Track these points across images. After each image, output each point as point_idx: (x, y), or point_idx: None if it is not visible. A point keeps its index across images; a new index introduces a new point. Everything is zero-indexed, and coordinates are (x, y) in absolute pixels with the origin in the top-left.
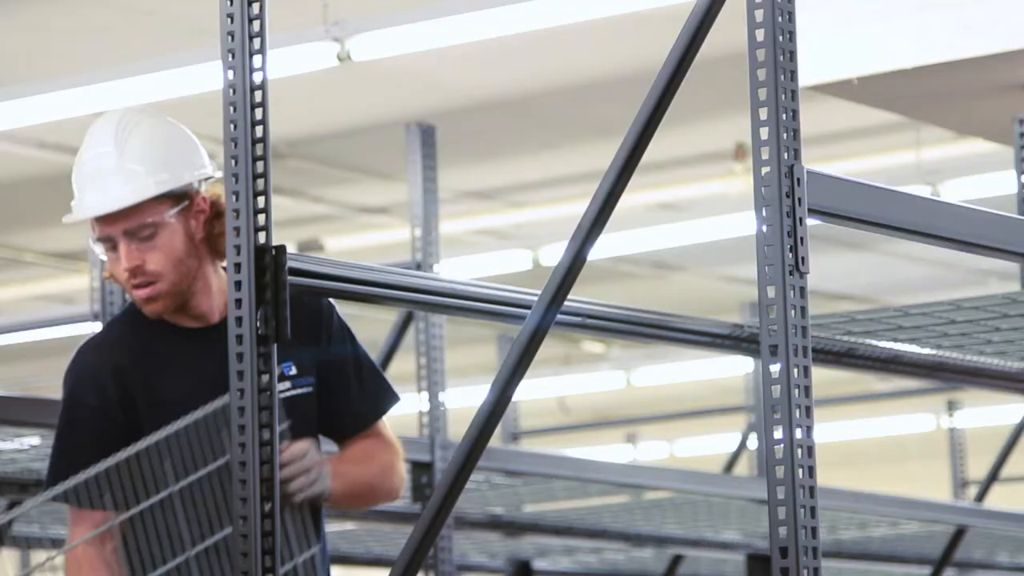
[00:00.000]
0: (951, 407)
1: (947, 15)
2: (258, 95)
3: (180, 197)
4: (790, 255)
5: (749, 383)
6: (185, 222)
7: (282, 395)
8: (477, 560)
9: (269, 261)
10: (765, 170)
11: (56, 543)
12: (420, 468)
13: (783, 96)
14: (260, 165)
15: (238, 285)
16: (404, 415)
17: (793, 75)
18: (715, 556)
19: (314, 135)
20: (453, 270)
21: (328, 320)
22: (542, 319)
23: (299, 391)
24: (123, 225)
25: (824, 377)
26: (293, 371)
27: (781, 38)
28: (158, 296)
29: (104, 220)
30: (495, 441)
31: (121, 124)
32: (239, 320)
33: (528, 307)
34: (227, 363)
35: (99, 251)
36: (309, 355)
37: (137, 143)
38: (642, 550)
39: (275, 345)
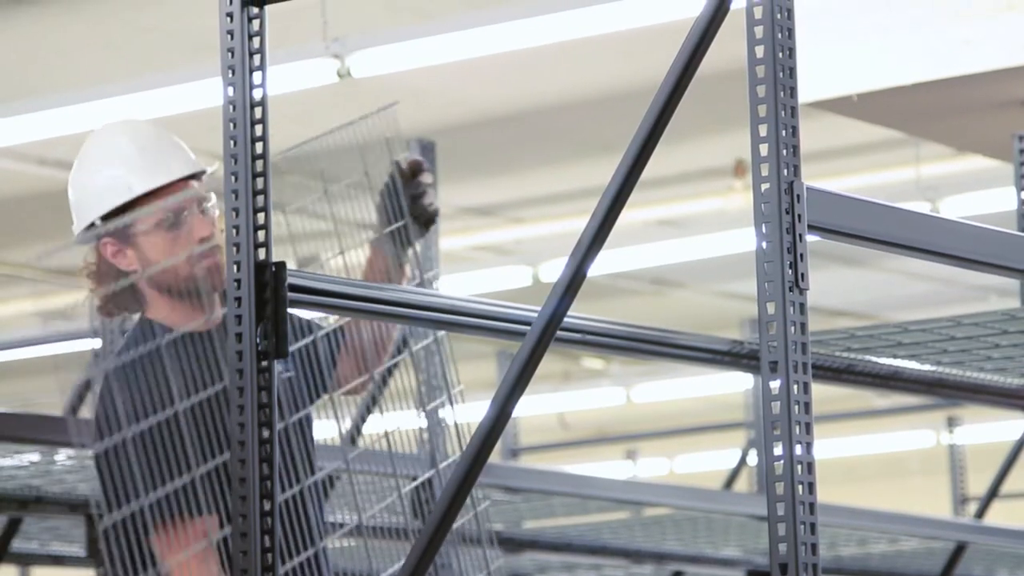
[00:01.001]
0: (951, 423)
1: (947, 31)
2: (258, 111)
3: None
4: (790, 271)
5: (749, 399)
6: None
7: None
8: None
9: (269, 277)
10: (765, 186)
11: (55, 560)
12: (421, 484)
13: (783, 112)
14: (260, 181)
15: (238, 301)
16: (403, 432)
17: (793, 92)
18: (715, 573)
19: (314, 151)
20: (453, 286)
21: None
22: (542, 335)
23: (284, 374)
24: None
25: (824, 393)
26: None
27: (781, 55)
28: (222, 265)
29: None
30: (495, 457)
31: (136, 120)
32: (239, 336)
33: (528, 323)
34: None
35: (142, 235)
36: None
37: (165, 131)
38: (642, 566)
39: (275, 361)
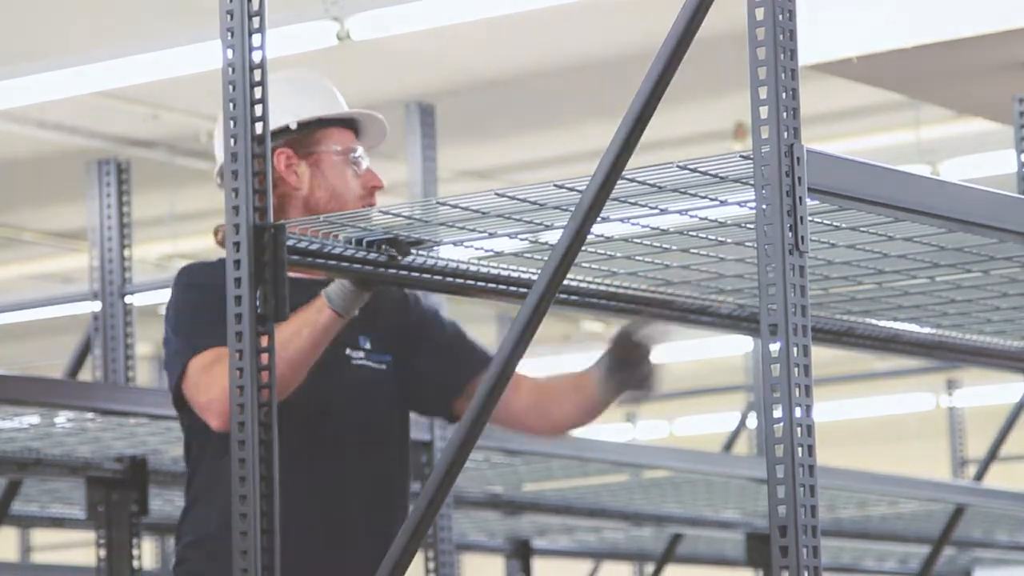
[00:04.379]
0: (950, 386)
1: None
2: (257, 74)
3: None
4: (790, 234)
5: (749, 362)
6: None
7: (356, 363)
8: (476, 539)
9: (268, 240)
10: (765, 149)
11: (55, 522)
12: (419, 447)
13: (783, 75)
14: (259, 144)
15: (237, 264)
16: None
17: (793, 54)
18: (714, 535)
19: None
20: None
21: (416, 305)
22: (541, 298)
23: (373, 364)
24: (369, 143)
25: (824, 356)
26: (368, 345)
27: (781, 17)
28: None
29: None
30: None
31: None
32: (238, 299)
33: (528, 286)
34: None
35: (337, 158)
36: (390, 335)
37: None
38: (641, 529)
39: (273, 324)
